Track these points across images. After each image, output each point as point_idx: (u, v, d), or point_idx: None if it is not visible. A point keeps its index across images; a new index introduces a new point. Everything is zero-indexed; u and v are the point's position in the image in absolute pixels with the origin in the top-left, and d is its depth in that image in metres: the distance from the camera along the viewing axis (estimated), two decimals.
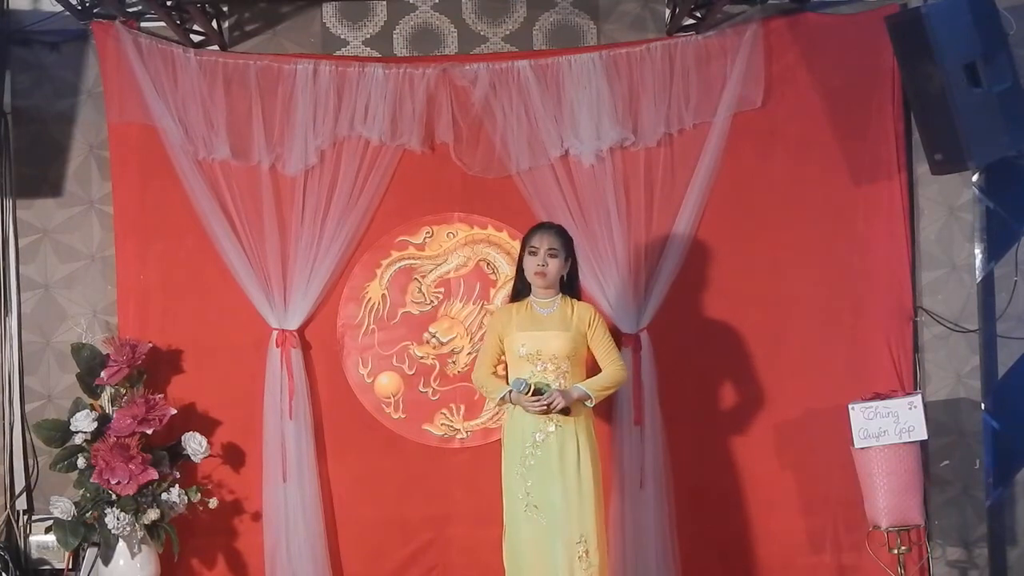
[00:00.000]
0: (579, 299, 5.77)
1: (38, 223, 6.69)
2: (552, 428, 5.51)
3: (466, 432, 6.60)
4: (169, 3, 6.39)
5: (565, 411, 5.51)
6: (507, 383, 5.62)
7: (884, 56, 6.40)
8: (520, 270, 5.72)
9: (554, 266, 5.59)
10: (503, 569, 5.63)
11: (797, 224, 6.58)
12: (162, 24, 6.49)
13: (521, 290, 5.74)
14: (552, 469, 5.49)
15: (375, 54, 6.67)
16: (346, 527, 6.57)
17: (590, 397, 5.55)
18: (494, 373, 5.77)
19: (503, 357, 5.76)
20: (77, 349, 6.41)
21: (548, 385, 5.49)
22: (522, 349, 5.58)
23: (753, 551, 6.52)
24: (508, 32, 6.70)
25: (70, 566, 6.45)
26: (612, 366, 5.65)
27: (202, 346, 6.57)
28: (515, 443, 5.57)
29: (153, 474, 6.13)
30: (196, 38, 6.60)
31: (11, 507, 6.60)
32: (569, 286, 5.72)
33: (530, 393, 5.44)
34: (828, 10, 6.62)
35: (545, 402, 5.44)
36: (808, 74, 6.55)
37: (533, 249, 5.61)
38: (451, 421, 6.60)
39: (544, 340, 5.56)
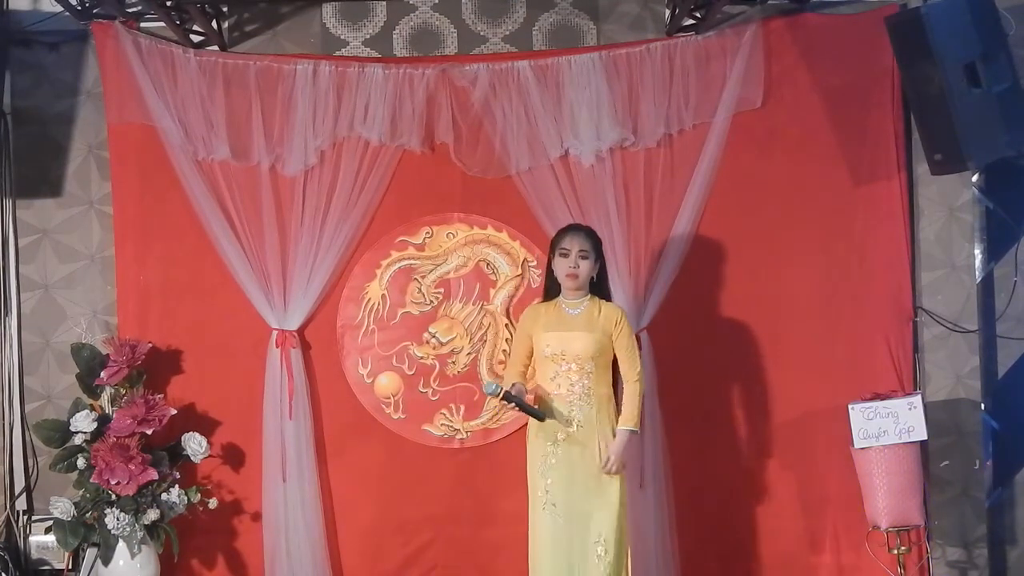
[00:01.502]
0: (609, 299, 5.73)
1: (38, 223, 6.69)
2: (573, 428, 5.51)
3: (466, 432, 6.60)
4: (169, 3, 6.39)
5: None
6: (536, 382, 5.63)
7: (884, 56, 6.41)
8: (550, 271, 5.71)
9: (585, 268, 5.58)
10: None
11: (797, 224, 6.58)
12: (162, 24, 6.49)
13: (550, 289, 5.74)
14: (573, 469, 5.49)
15: (375, 54, 6.67)
16: (346, 527, 6.57)
17: (636, 431, 5.56)
18: (524, 372, 5.73)
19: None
20: (77, 349, 6.41)
21: (563, 411, 5.50)
22: (547, 349, 5.58)
23: (753, 551, 6.52)
24: (508, 32, 6.70)
25: (70, 566, 6.45)
26: (631, 375, 5.59)
27: (202, 346, 6.57)
28: (539, 440, 5.58)
29: (153, 474, 6.13)
30: (196, 38, 6.60)
31: (11, 507, 6.60)
32: (599, 287, 5.70)
33: (500, 398, 5.43)
34: (828, 10, 6.63)
35: (605, 470, 5.45)
36: (808, 74, 6.56)
37: (564, 251, 5.60)
38: (451, 421, 6.60)
39: (568, 340, 5.55)
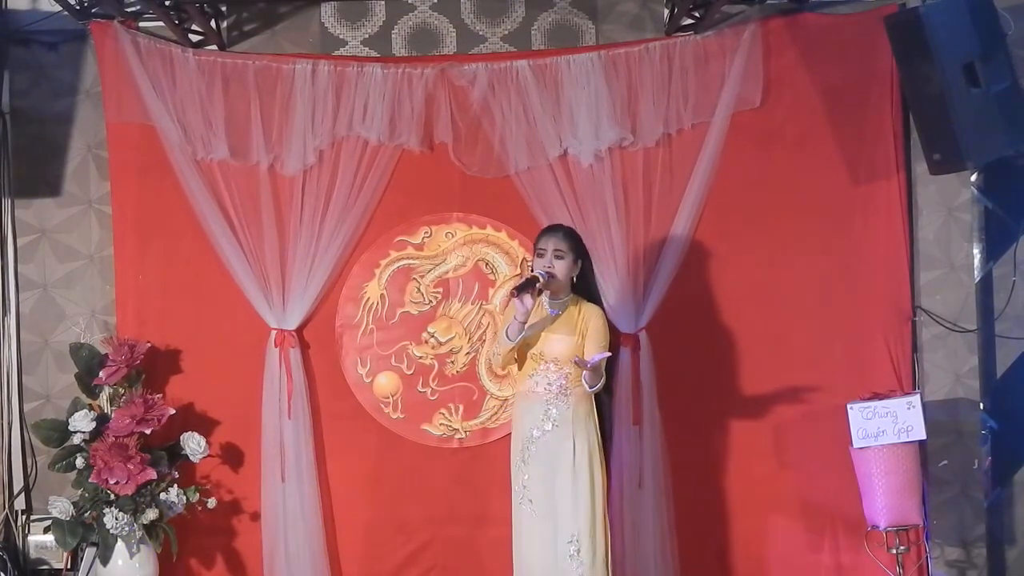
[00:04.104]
0: (595, 299, 5.66)
1: (36, 223, 6.68)
2: (549, 427, 5.50)
3: (465, 432, 6.60)
4: (168, 3, 6.38)
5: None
6: (518, 368, 5.57)
7: (883, 56, 6.41)
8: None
9: (560, 267, 5.55)
10: (508, 568, 5.62)
11: (795, 224, 6.58)
12: (161, 24, 6.49)
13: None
14: (548, 467, 5.47)
15: (374, 54, 6.67)
16: (345, 527, 6.57)
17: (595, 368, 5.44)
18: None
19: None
20: (76, 349, 6.41)
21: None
22: (527, 348, 5.56)
23: (752, 551, 6.52)
24: (507, 32, 6.70)
25: (68, 566, 6.45)
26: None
27: (201, 346, 6.57)
28: (518, 435, 5.57)
29: (152, 474, 6.12)
30: (195, 38, 6.60)
31: (10, 507, 6.60)
32: (584, 288, 5.65)
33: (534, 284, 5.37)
34: (826, 10, 6.62)
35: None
36: (807, 74, 6.55)
37: (540, 251, 5.57)
38: (450, 421, 6.60)
39: (547, 341, 5.53)
